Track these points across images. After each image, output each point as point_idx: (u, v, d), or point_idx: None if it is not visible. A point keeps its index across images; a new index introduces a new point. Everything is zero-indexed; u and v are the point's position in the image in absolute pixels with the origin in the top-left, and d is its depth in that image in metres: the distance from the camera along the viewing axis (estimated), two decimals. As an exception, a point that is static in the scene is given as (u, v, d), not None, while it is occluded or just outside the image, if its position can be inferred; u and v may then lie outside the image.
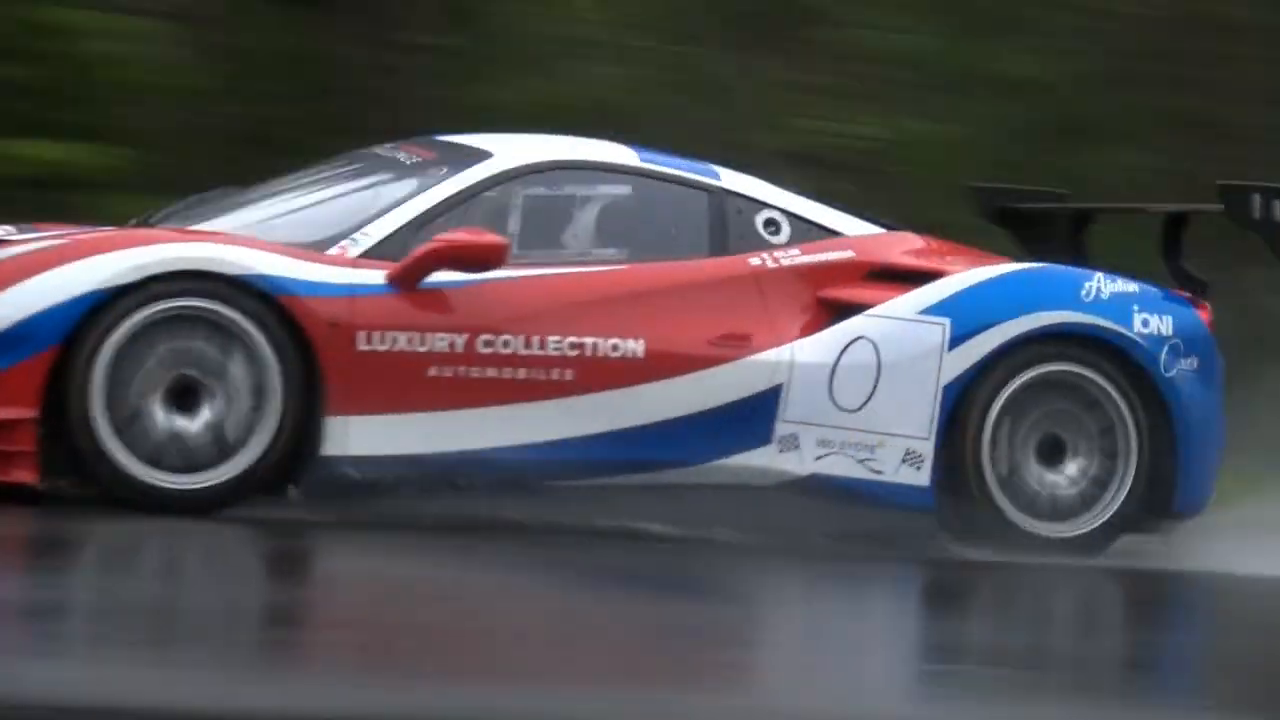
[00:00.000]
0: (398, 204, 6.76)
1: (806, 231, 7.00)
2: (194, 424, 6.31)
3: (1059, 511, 6.84)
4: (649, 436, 6.62)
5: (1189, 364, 6.94)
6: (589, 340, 6.58)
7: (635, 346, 6.61)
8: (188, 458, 6.29)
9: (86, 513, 6.39)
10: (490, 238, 6.44)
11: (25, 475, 6.22)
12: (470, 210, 6.76)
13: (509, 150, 7.01)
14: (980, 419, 6.74)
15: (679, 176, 7.02)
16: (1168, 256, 7.68)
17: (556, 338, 6.57)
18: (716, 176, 7.06)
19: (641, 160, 7.07)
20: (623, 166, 7.02)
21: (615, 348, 6.60)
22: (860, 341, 6.72)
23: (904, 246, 7.06)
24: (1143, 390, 6.82)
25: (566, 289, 6.65)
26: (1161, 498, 6.93)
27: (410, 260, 6.46)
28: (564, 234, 6.89)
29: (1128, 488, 6.84)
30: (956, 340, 6.75)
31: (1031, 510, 6.78)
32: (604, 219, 6.90)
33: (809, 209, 7.08)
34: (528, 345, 6.53)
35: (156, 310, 6.23)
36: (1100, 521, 6.82)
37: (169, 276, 6.25)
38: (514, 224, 6.77)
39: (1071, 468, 6.87)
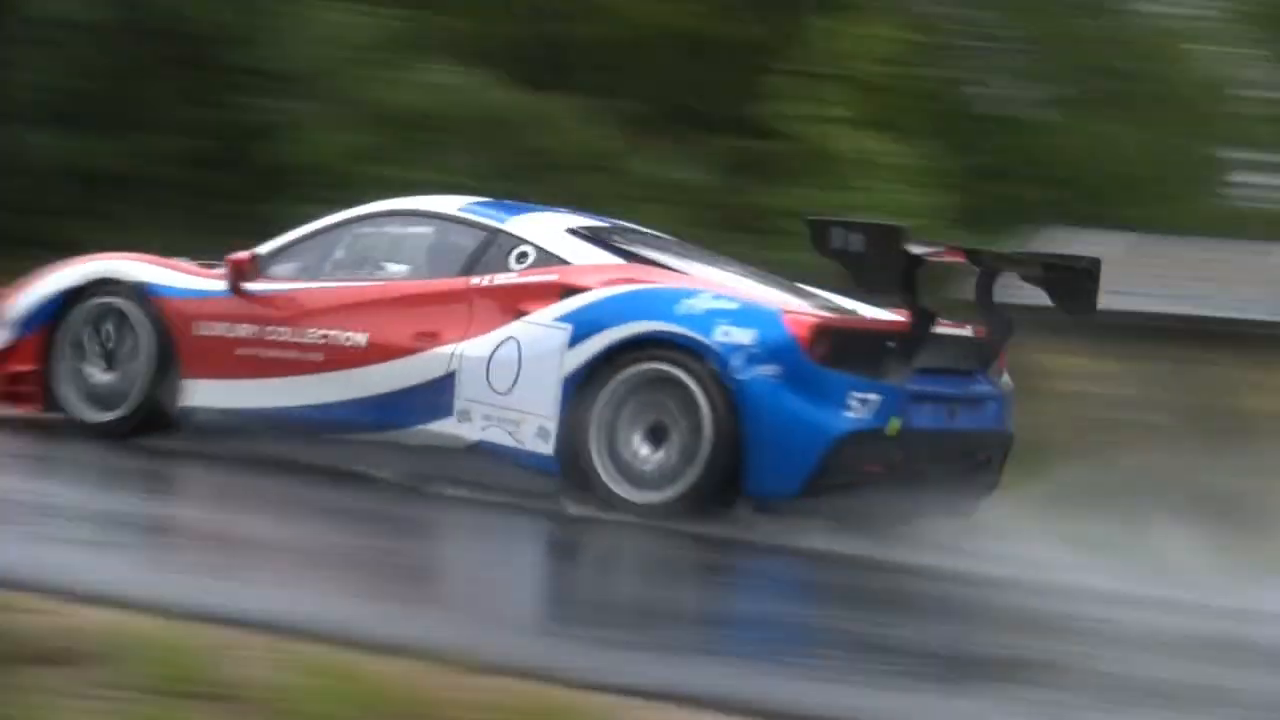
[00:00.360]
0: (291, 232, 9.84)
1: (546, 260, 9.16)
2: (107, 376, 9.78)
3: (647, 482, 8.52)
4: (369, 405, 9.19)
5: (767, 370, 8.35)
6: (332, 332, 9.29)
7: (360, 338, 9.23)
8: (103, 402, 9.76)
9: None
10: (238, 256, 9.45)
11: (34, 407, 9.92)
12: (333, 240, 9.67)
13: (375, 203, 9.87)
14: (589, 404, 8.64)
15: (469, 220, 9.47)
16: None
17: (313, 330, 9.34)
18: (502, 221, 9.41)
19: (458, 209, 9.61)
20: (433, 213, 9.61)
21: (348, 339, 9.25)
22: (509, 341, 8.86)
23: (602, 274, 8.98)
24: (718, 388, 8.35)
25: (328, 297, 9.41)
26: (732, 480, 8.37)
27: (225, 271, 9.56)
28: (366, 260, 9.61)
29: (703, 468, 8.37)
30: (575, 342, 8.71)
31: (627, 479, 8.55)
32: (398, 250, 9.53)
33: (563, 245, 9.20)
34: (294, 335, 9.39)
35: (91, 304, 9.76)
36: (679, 493, 8.42)
37: (98, 282, 9.77)
38: (339, 252, 9.61)
39: (662, 449, 8.52)
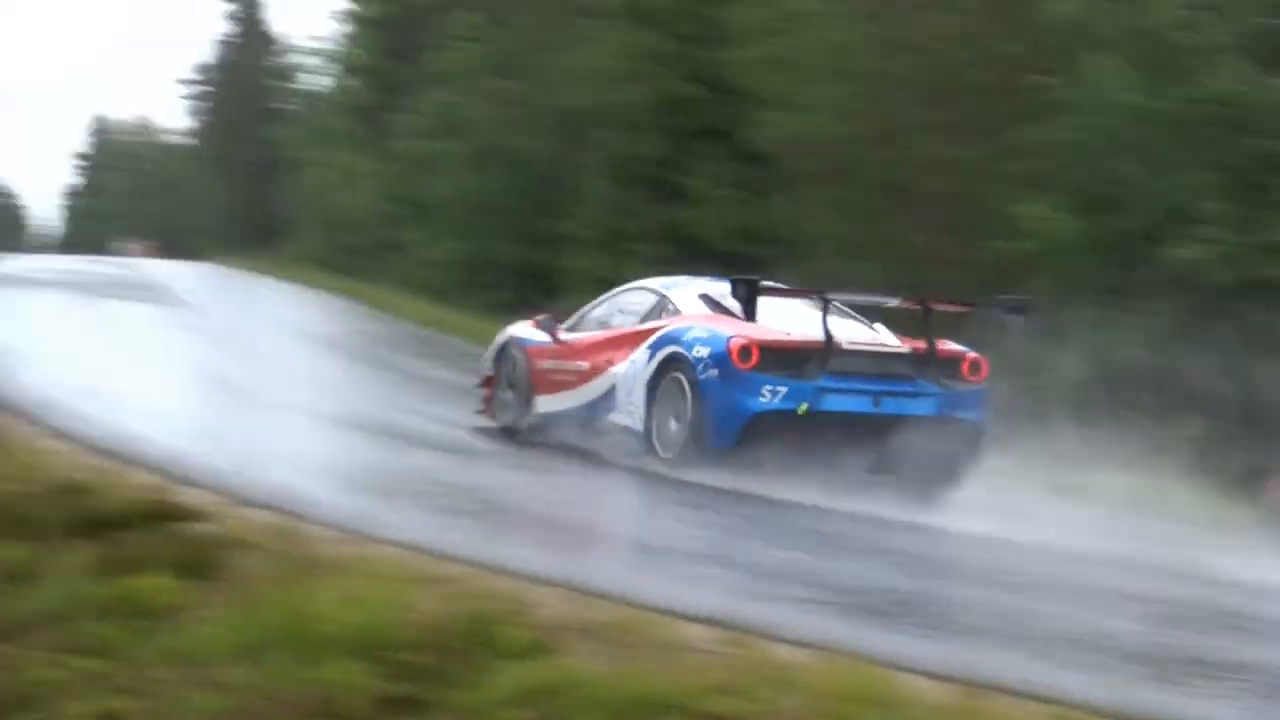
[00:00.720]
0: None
1: (675, 313, 14.20)
2: (508, 393, 16.29)
3: (669, 445, 13.32)
4: (587, 406, 14.47)
5: (714, 373, 12.96)
6: (577, 364, 14.73)
7: (585, 366, 14.64)
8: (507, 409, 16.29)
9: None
10: (558, 316, 15.78)
11: (488, 414, 16.11)
12: (599, 305, 15.44)
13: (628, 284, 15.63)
14: (654, 400, 13.55)
15: (654, 289, 14.82)
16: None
17: (572, 362, 14.79)
18: (667, 290, 14.67)
19: (659, 284, 14.94)
20: (644, 287, 15.05)
21: (580, 367, 14.68)
22: (632, 363, 13.97)
23: (684, 320, 13.90)
24: (693, 386, 13.09)
25: (581, 342, 14.90)
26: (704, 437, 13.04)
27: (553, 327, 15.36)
28: (605, 319, 15.03)
29: (688, 434, 13.11)
30: (649, 361, 13.69)
31: (661, 444, 13.43)
32: (623, 311, 14.89)
33: (687, 303, 14.21)
34: (567, 365, 14.73)
35: (505, 352, 16.41)
36: (678, 451, 13.21)
37: (509, 340, 15.93)
38: (596, 312, 15.37)
39: (678, 425, 13.33)
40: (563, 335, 15.24)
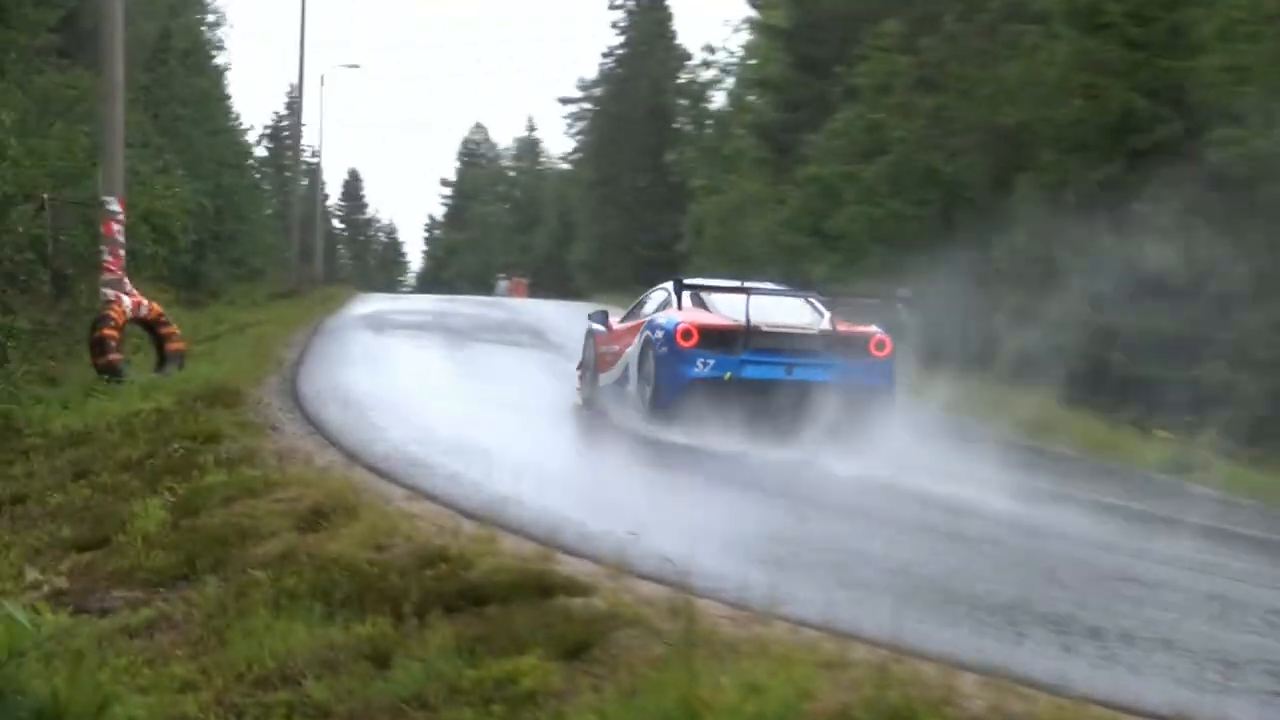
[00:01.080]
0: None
1: (676, 306, 20.14)
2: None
3: (645, 405, 19.27)
4: (617, 379, 20.48)
5: (664, 349, 18.72)
6: (614, 346, 21.15)
7: (617, 348, 20.95)
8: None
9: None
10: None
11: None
12: (640, 300, 22.18)
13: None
14: (640, 372, 19.69)
15: (667, 286, 20.84)
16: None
17: (610, 345, 21.35)
18: (670, 286, 20.77)
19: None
20: (664, 286, 21.10)
21: (614, 348, 21.07)
22: (634, 344, 20.00)
23: (670, 312, 19.78)
24: (652, 358, 19.02)
25: (618, 328, 21.36)
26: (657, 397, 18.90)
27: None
28: (637, 310, 21.74)
29: (650, 393, 18.98)
30: (639, 342, 19.86)
31: (643, 402, 19.28)
32: (652, 304, 21.19)
33: (683, 298, 19.89)
34: (611, 347, 21.39)
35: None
36: (647, 408, 19.21)
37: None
38: (635, 306, 22.15)
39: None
40: (614, 324, 21.48)
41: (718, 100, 71.62)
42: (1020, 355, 25.16)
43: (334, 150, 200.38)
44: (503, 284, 79.97)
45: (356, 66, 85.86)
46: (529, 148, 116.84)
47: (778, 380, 18.44)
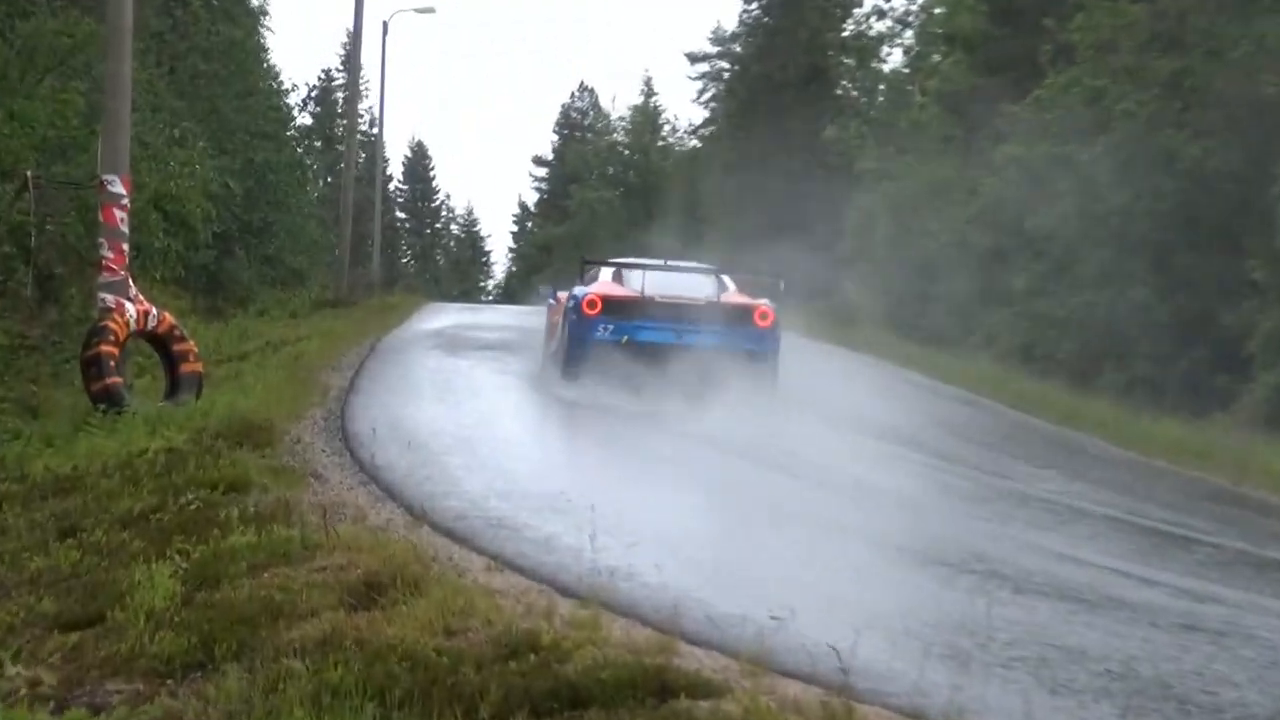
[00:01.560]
0: None
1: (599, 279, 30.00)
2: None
3: (557, 364, 29.62)
4: (559, 346, 28.96)
5: (574, 316, 27.54)
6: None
7: (559, 320, 30.13)
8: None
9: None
10: None
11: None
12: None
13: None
14: (559, 334, 29.55)
15: (591, 260, 31.83)
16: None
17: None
18: (588, 263, 31.17)
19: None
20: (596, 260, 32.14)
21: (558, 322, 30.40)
22: (564, 314, 29.03)
23: (597, 285, 29.03)
24: (564, 323, 28.37)
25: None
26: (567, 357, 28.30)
27: None
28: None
29: (564, 355, 28.12)
30: (564, 309, 29.30)
31: (553, 363, 29.32)
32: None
33: (605, 271, 29.98)
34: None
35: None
36: (561, 368, 28.10)
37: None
38: None
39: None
40: (561, 298, 29.59)
41: (893, 60, 71.52)
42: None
43: (397, 119, 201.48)
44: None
45: (431, 10, 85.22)
46: (648, 119, 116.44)
47: (668, 344, 26.69)
